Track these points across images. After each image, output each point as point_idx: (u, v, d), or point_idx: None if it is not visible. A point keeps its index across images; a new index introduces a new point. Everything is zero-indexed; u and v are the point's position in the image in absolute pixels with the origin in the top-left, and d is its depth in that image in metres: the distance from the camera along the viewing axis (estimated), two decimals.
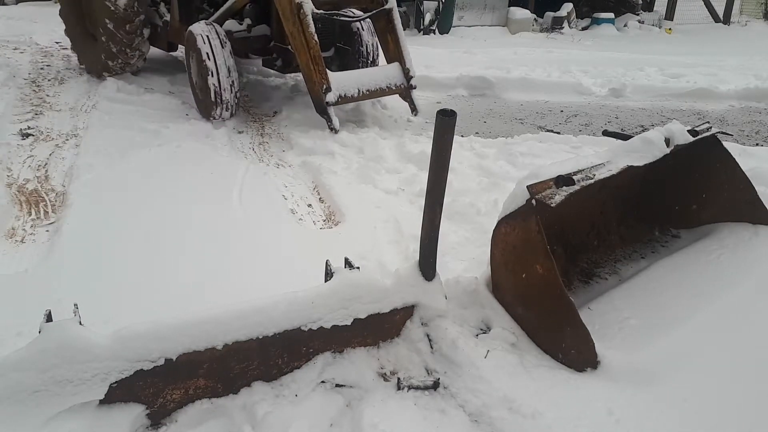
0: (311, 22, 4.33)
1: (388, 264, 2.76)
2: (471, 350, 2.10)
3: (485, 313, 2.33)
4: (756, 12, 15.81)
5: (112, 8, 5.46)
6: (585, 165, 2.26)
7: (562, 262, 2.62)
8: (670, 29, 13.41)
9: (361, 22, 5.24)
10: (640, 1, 14.45)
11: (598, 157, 2.36)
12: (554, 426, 1.81)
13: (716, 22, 14.64)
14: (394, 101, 5.38)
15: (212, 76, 4.57)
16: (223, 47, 4.63)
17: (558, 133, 5.26)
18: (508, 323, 2.27)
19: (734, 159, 2.79)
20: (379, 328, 2.13)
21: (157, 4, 5.83)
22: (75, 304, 1.84)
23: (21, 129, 4.64)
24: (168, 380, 1.82)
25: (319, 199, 3.72)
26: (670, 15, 14.49)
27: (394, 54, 4.94)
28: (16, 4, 12.53)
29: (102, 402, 1.74)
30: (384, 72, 4.88)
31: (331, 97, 4.38)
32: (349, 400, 1.96)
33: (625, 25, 13.20)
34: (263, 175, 3.91)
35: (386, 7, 4.79)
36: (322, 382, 2.01)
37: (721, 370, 2.02)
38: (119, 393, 1.75)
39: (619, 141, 2.63)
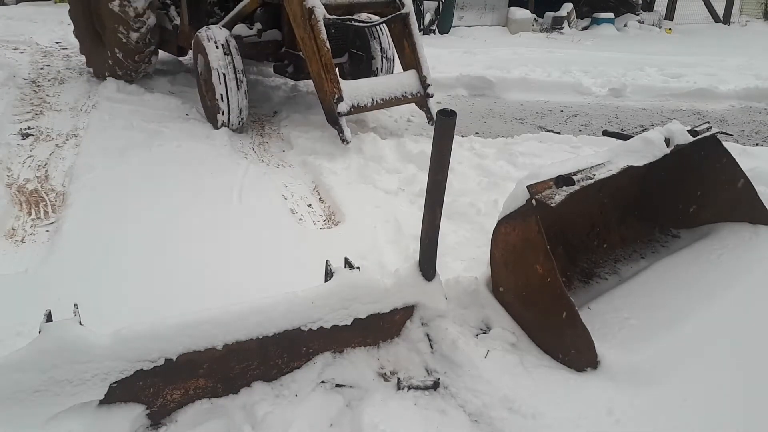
0: (323, 27, 4.10)
1: (388, 264, 2.76)
2: (471, 350, 2.10)
3: (485, 313, 2.33)
4: (756, 12, 15.81)
5: (124, 40, 5.35)
6: (585, 165, 2.26)
7: (562, 262, 2.62)
8: (670, 29, 13.40)
9: (377, 27, 5.01)
10: (640, 1, 14.45)
11: (598, 157, 2.36)
12: (554, 426, 1.81)
13: (716, 22, 14.64)
14: None
15: (219, 84, 4.41)
16: (231, 53, 4.46)
17: (558, 133, 5.26)
18: (508, 323, 2.27)
19: (734, 159, 2.79)
20: (379, 328, 2.13)
21: (167, 7, 5.65)
22: (75, 304, 1.84)
23: (21, 129, 4.64)
24: (168, 380, 1.82)
25: (319, 199, 3.72)
26: (670, 15, 14.49)
27: (411, 61, 4.70)
28: (16, 4, 12.53)
29: (102, 402, 1.74)
30: (399, 80, 4.62)
31: (342, 107, 4.14)
32: (349, 400, 1.96)
33: (625, 25, 13.19)
34: (263, 175, 3.91)
35: (402, 11, 4.54)
36: (322, 382, 2.01)
37: (721, 370, 2.02)
38: (119, 393, 1.75)
39: (619, 141, 2.63)
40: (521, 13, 12.55)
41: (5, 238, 3.04)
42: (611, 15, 13.08)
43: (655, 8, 14.65)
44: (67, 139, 4.49)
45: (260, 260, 2.81)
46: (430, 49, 9.00)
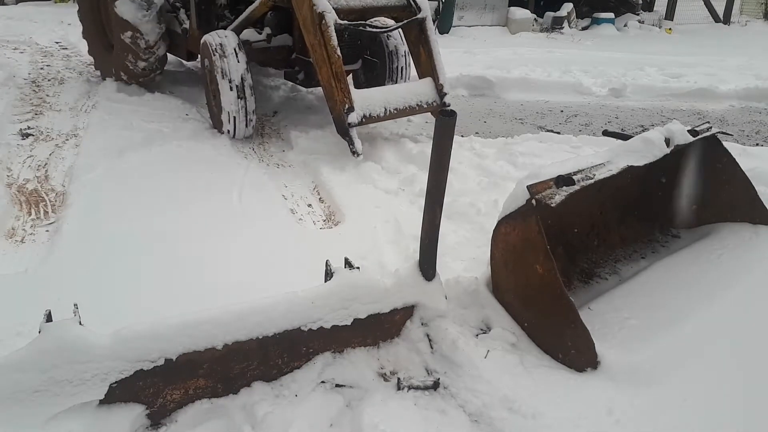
0: (334, 33, 3.87)
1: (388, 264, 2.76)
2: (471, 350, 2.10)
3: (485, 313, 2.33)
4: (756, 12, 15.80)
5: (131, 67, 5.38)
6: (585, 165, 2.26)
7: (562, 262, 2.62)
8: (670, 29, 13.40)
9: (392, 32, 4.65)
10: (640, 1, 14.45)
11: (598, 157, 2.36)
12: (554, 426, 1.81)
13: (716, 22, 14.63)
14: None
15: (225, 92, 4.24)
16: (239, 60, 4.27)
17: (558, 133, 5.25)
18: (508, 323, 2.27)
19: (734, 159, 2.79)
20: (379, 328, 2.13)
21: (176, 11, 5.43)
22: (75, 304, 1.84)
23: (21, 129, 4.64)
24: (168, 380, 1.82)
25: (319, 199, 3.72)
26: (670, 15, 14.48)
27: (427, 68, 4.44)
28: (16, 4, 12.53)
29: (102, 402, 1.74)
30: (414, 88, 4.34)
31: (353, 118, 3.90)
32: (349, 400, 1.96)
33: (625, 25, 13.18)
34: (263, 175, 3.91)
35: (419, 16, 4.28)
36: (322, 382, 2.01)
37: (721, 370, 2.02)
38: (119, 393, 1.75)
39: (619, 141, 2.63)
40: (521, 13, 12.54)
41: (5, 238, 3.04)
42: (611, 15, 13.08)
43: (655, 8, 14.64)
44: (67, 139, 4.49)
45: (260, 260, 2.81)
46: None
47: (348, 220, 3.32)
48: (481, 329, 2.29)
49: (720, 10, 14.58)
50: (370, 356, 2.13)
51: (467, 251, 2.91)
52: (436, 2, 12.51)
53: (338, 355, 2.08)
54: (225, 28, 4.65)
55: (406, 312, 2.17)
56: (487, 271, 2.44)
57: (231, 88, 4.22)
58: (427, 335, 2.19)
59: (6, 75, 5.99)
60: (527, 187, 2.09)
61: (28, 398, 1.63)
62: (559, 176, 2.12)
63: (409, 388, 1.99)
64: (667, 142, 2.49)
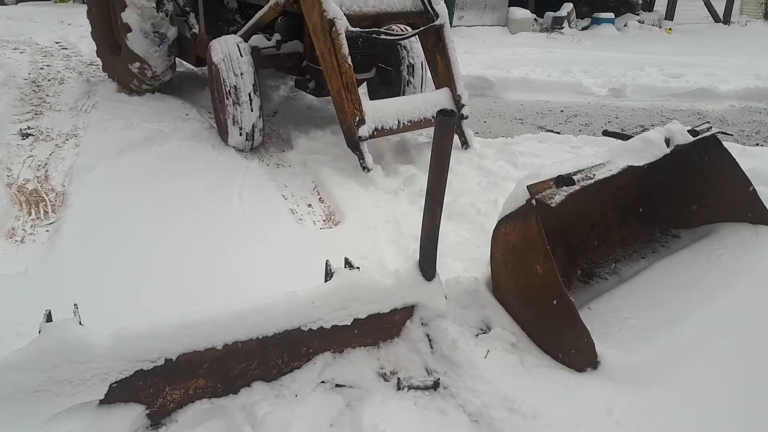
0: (345, 42, 3.67)
1: (388, 264, 2.76)
2: (471, 350, 2.10)
3: (485, 313, 2.33)
4: (756, 12, 15.80)
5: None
6: (585, 165, 2.26)
7: (562, 262, 2.62)
8: (670, 29, 13.40)
9: (408, 39, 4.45)
10: (640, 1, 14.45)
11: (598, 157, 2.36)
12: (554, 426, 1.81)
13: (716, 22, 14.64)
14: None
15: (232, 103, 4.04)
16: (248, 70, 4.08)
17: (558, 133, 5.25)
18: (508, 323, 2.27)
19: (734, 159, 2.79)
20: (379, 328, 2.13)
21: (186, 15, 5.28)
22: (75, 304, 1.84)
23: (21, 129, 4.64)
24: (168, 380, 1.82)
25: (319, 199, 3.72)
26: (670, 15, 14.49)
27: (444, 77, 4.26)
28: (16, 4, 12.54)
29: (102, 402, 1.74)
30: (430, 99, 4.13)
31: (364, 132, 3.71)
32: (349, 400, 1.96)
33: (625, 25, 13.19)
34: (263, 175, 3.91)
35: (436, 23, 4.09)
36: (322, 382, 2.01)
37: (721, 370, 2.02)
38: (119, 393, 1.75)
39: (619, 141, 2.63)
40: (521, 13, 12.55)
41: (5, 238, 3.04)
42: (611, 15, 13.09)
43: (655, 8, 14.65)
44: (67, 139, 4.49)
45: (260, 260, 2.81)
46: None
47: (348, 220, 3.32)
48: (481, 329, 2.29)
49: (720, 10, 14.59)
50: (370, 356, 2.13)
51: (467, 251, 2.91)
52: None
53: (338, 355, 2.08)
54: (235, 33, 4.49)
55: (406, 312, 2.17)
56: (487, 271, 2.44)
57: (238, 100, 4.05)
58: (427, 335, 2.19)
59: (6, 75, 6.00)
60: (527, 187, 2.09)
61: (28, 398, 1.63)
62: (559, 176, 2.12)
63: (409, 388, 1.99)
64: (667, 142, 2.49)
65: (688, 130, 2.61)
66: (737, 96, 6.94)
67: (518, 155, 4.23)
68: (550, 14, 12.77)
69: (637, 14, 13.83)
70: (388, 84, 4.91)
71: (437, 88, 4.34)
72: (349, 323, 2.02)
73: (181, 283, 2.57)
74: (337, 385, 2.02)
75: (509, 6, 12.81)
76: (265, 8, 4.20)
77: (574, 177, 2.13)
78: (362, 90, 4.98)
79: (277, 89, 6.03)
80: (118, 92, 5.62)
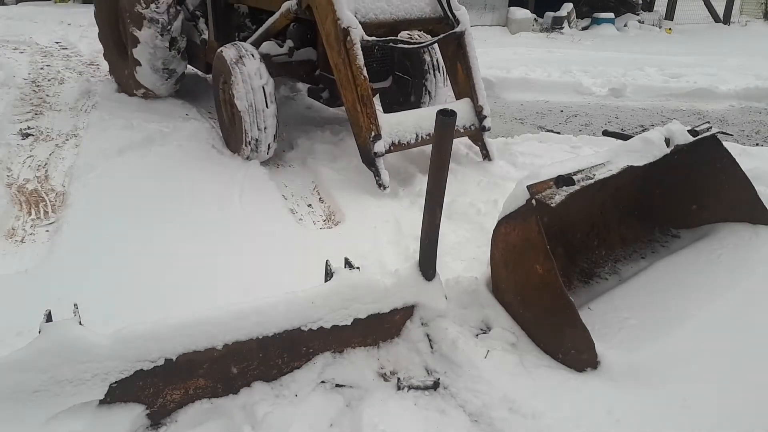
0: (360, 52, 3.46)
1: (388, 264, 2.76)
2: (471, 350, 2.10)
3: (485, 313, 2.33)
4: (756, 12, 15.80)
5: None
6: (585, 165, 2.26)
7: (562, 262, 2.62)
8: (670, 29, 13.40)
9: (427, 47, 4.21)
10: (640, 1, 14.45)
11: (598, 157, 2.36)
12: (554, 426, 1.81)
13: (716, 22, 14.64)
14: None
15: (246, 114, 3.81)
16: (262, 77, 3.84)
17: (558, 133, 5.26)
18: (508, 323, 2.27)
19: (734, 159, 2.79)
20: (379, 328, 2.13)
21: (196, 19, 5.09)
22: (75, 304, 1.84)
23: (21, 129, 4.64)
24: (168, 380, 1.82)
25: (319, 199, 3.72)
26: (670, 15, 14.49)
27: (465, 88, 4.05)
28: (16, 4, 12.54)
29: (102, 402, 1.74)
30: None
31: (380, 147, 3.52)
32: (349, 400, 1.96)
33: (625, 25, 13.19)
34: (263, 175, 3.91)
35: (457, 30, 3.87)
36: (322, 382, 2.01)
37: (721, 370, 2.02)
38: (119, 393, 1.75)
39: (619, 141, 2.63)
40: (521, 13, 12.55)
41: (5, 238, 3.04)
42: (611, 15, 13.09)
43: (655, 8, 14.65)
44: (67, 139, 4.49)
45: (260, 260, 2.81)
46: None
47: (348, 220, 3.32)
48: (481, 329, 2.29)
49: (720, 10, 14.59)
50: (370, 356, 2.13)
51: (467, 251, 2.91)
52: None
53: (338, 355, 2.08)
54: (246, 40, 4.33)
55: (406, 312, 2.17)
56: (487, 271, 2.44)
57: (253, 110, 3.81)
58: (427, 335, 2.19)
59: (6, 75, 6.00)
60: (527, 187, 2.09)
61: (28, 398, 1.63)
62: (559, 176, 2.12)
63: (409, 388, 1.99)
64: (667, 142, 2.49)
65: (688, 130, 2.61)
66: (737, 96, 6.94)
67: (518, 155, 4.23)
68: (550, 14, 12.77)
69: (637, 14, 13.84)
70: (405, 93, 4.68)
71: (457, 98, 4.15)
72: (349, 323, 2.02)
73: (181, 283, 2.57)
74: (337, 385, 2.02)
75: (509, 6, 12.82)
76: (277, 15, 4.00)
77: (574, 177, 2.13)
78: (376, 100, 4.70)
79: (277, 89, 6.02)
80: (118, 92, 5.63)
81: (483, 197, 3.49)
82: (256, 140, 3.90)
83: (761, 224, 2.78)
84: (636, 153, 2.40)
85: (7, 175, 3.78)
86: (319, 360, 2.04)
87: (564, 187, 2.10)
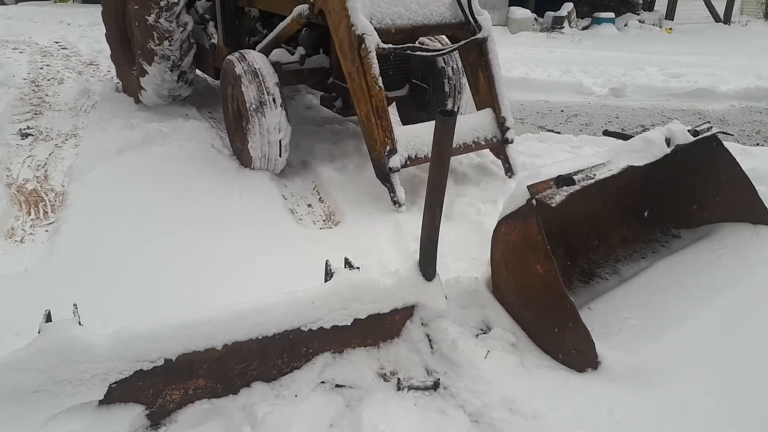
0: (375, 61, 3.26)
1: (388, 264, 2.76)
2: (471, 350, 2.10)
3: (485, 313, 2.33)
4: (756, 12, 15.80)
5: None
6: (585, 165, 2.26)
7: (563, 262, 2.62)
8: (670, 29, 13.40)
9: (450, 54, 3.98)
10: (641, 1, 14.45)
11: (599, 157, 2.35)
12: (555, 426, 1.81)
13: (717, 22, 14.63)
14: None
15: (258, 162, 3.71)
16: (281, 131, 3.67)
17: (558, 132, 5.25)
18: (508, 323, 2.26)
19: (735, 159, 2.79)
20: (379, 329, 2.13)
21: (205, 23, 4.90)
22: (74, 304, 1.83)
23: (20, 129, 4.64)
24: (167, 380, 1.81)
25: (319, 199, 3.72)
26: (670, 15, 14.49)
27: (486, 97, 3.81)
28: (16, 3, 12.54)
29: (101, 402, 1.74)
30: (471, 122, 3.70)
31: (395, 162, 3.31)
32: (348, 400, 1.96)
33: (625, 25, 13.20)
34: (263, 175, 3.91)
35: (479, 36, 3.65)
36: (322, 382, 2.01)
37: (721, 370, 2.02)
38: (119, 393, 1.75)
39: (620, 141, 2.63)
40: (521, 13, 12.55)
41: (5, 238, 3.04)
42: (611, 15, 13.10)
43: (655, 8, 14.65)
44: (67, 139, 4.49)
45: (260, 260, 2.80)
46: None
47: (348, 220, 3.32)
48: (481, 329, 2.28)
49: (720, 10, 14.59)
50: (370, 356, 2.13)
51: (467, 251, 2.91)
52: None
53: (338, 356, 2.08)
54: (256, 45, 4.18)
55: (406, 312, 2.17)
56: (487, 271, 2.44)
57: (265, 161, 3.70)
58: (427, 335, 2.18)
59: (6, 75, 6.00)
60: (527, 187, 2.09)
61: (28, 398, 1.63)
62: (559, 176, 2.12)
63: (409, 388, 1.99)
64: (668, 142, 2.49)
65: (689, 130, 2.61)
66: (737, 96, 6.94)
67: (518, 155, 4.22)
68: (550, 14, 12.77)
69: (638, 14, 13.84)
70: (422, 102, 4.48)
71: (478, 108, 3.92)
72: (349, 323, 2.02)
73: (180, 283, 2.57)
74: (337, 386, 2.02)
75: (509, 5, 12.82)
76: (288, 20, 3.80)
77: (574, 177, 2.13)
78: (392, 109, 4.58)
79: None
80: (117, 92, 5.62)
81: (483, 197, 3.49)
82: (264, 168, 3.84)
83: (762, 224, 2.78)
84: (636, 153, 2.40)
85: (7, 175, 3.78)
86: (319, 360, 2.04)
87: (564, 187, 2.10)
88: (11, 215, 3.27)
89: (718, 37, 12.78)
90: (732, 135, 5.31)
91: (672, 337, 2.14)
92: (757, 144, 5.24)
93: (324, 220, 3.45)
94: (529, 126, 5.69)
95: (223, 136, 4.56)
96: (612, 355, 2.04)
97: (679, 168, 2.79)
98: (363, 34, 3.23)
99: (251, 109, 3.61)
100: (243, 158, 3.95)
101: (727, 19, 14.63)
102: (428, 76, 4.41)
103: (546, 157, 4.16)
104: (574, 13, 12.95)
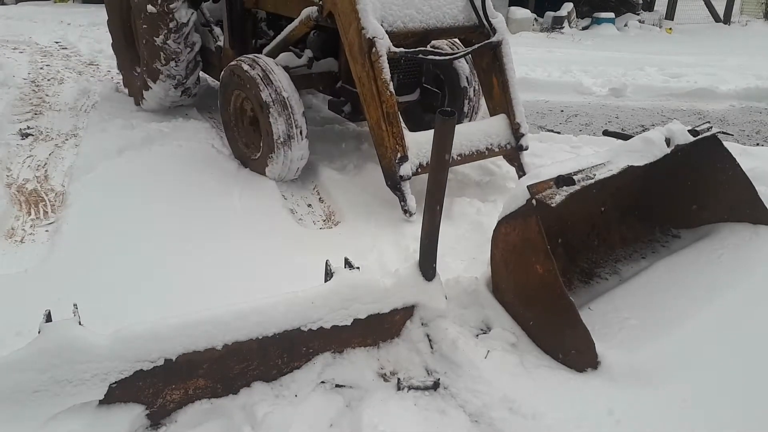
0: (386, 65, 3.15)
1: (388, 264, 2.76)
2: (471, 350, 2.10)
3: (485, 313, 2.33)
4: (756, 12, 15.80)
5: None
6: (585, 165, 2.26)
7: (562, 262, 2.62)
8: (670, 29, 13.40)
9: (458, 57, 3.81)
10: (641, 1, 14.45)
11: (599, 157, 2.36)
12: (554, 426, 1.81)
13: (716, 21, 14.63)
14: None
15: (282, 160, 3.58)
16: (303, 158, 3.62)
17: (558, 132, 5.26)
18: (508, 323, 2.26)
19: (735, 159, 2.79)
20: (379, 329, 2.13)
21: (211, 24, 4.79)
22: (75, 304, 1.83)
23: (20, 129, 4.64)
24: (168, 380, 1.81)
25: (319, 199, 3.72)
26: (670, 15, 14.49)
27: (500, 103, 3.69)
28: (16, 3, 12.55)
29: (102, 402, 1.74)
30: (484, 128, 3.58)
31: (406, 170, 3.19)
32: (348, 400, 1.96)
33: (625, 25, 13.20)
34: (263, 175, 3.91)
35: (493, 39, 3.53)
36: (322, 382, 2.01)
37: (721, 370, 2.02)
38: (119, 393, 1.75)
39: (620, 141, 2.63)
40: (521, 13, 12.54)
41: (5, 238, 3.04)
42: (611, 15, 13.10)
43: (655, 8, 14.65)
44: (67, 139, 4.49)
45: (260, 260, 2.80)
46: None
47: (348, 220, 3.32)
48: (481, 329, 2.28)
49: (720, 10, 14.59)
50: (370, 356, 2.13)
51: (467, 251, 2.91)
52: None
53: (338, 356, 2.08)
54: (263, 48, 4.08)
55: (406, 312, 2.17)
56: (487, 271, 2.44)
57: (292, 156, 3.58)
58: (427, 335, 2.18)
59: (6, 75, 6.00)
60: (527, 187, 2.09)
61: (28, 398, 1.63)
62: (559, 176, 2.12)
63: (409, 388, 1.99)
64: (668, 142, 2.49)
65: (689, 130, 2.61)
66: (737, 96, 6.94)
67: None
68: (550, 14, 12.77)
69: (638, 14, 13.85)
70: (434, 108, 4.23)
71: (491, 114, 3.80)
72: (349, 323, 2.02)
73: (180, 282, 2.57)
74: (337, 386, 2.02)
75: (509, 5, 12.81)
76: (295, 22, 3.70)
77: (574, 177, 2.13)
78: (401, 120, 4.27)
79: None
80: (117, 92, 5.63)
81: (483, 197, 3.49)
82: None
83: (762, 224, 2.78)
84: (636, 153, 2.40)
85: (7, 175, 3.78)
86: (319, 360, 2.04)
87: (564, 187, 2.10)
88: (11, 215, 3.27)
89: (718, 37, 12.78)
90: (732, 135, 5.31)
91: (672, 337, 2.14)
92: (757, 144, 5.24)
93: (324, 220, 3.45)
94: (530, 126, 5.66)
95: (222, 136, 4.56)
96: (612, 355, 2.04)
97: (679, 168, 2.79)
98: (374, 37, 3.12)
99: (278, 141, 3.54)
100: (250, 165, 3.90)
101: (727, 19, 14.63)
102: (440, 79, 4.30)
103: (546, 157, 4.16)
104: (574, 13, 12.95)
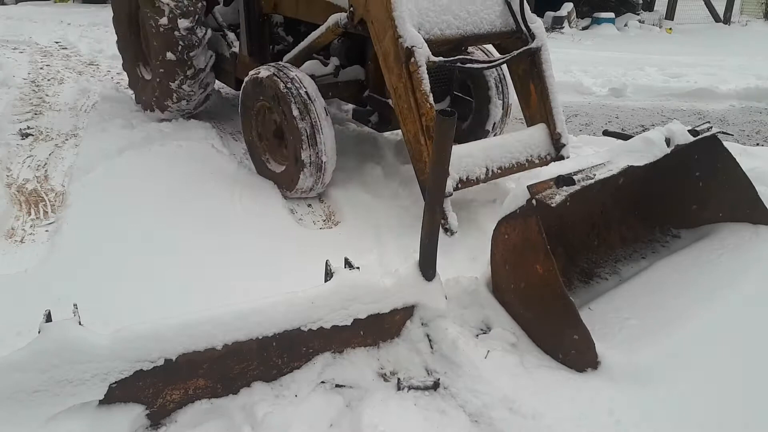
0: (426, 76, 2.93)
1: (388, 264, 2.76)
2: (471, 350, 2.10)
3: (485, 313, 2.33)
4: (756, 12, 15.80)
5: None
6: (585, 165, 2.26)
7: (563, 262, 2.62)
8: (670, 29, 13.40)
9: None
10: (641, 1, 14.45)
11: (599, 157, 2.36)
12: (555, 426, 1.81)
13: (716, 22, 14.63)
14: None
15: (315, 150, 3.34)
16: (333, 150, 3.42)
17: None
18: (508, 323, 2.26)
19: (735, 159, 2.79)
20: (379, 329, 2.13)
21: (224, 29, 4.61)
22: (75, 304, 1.84)
23: (20, 129, 4.64)
24: (168, 380, 1.81)
25: (319, 199, 3.72)
26: (670, 15, 14.48)
27: (539, 111, 3.50)
28: (16, 3, 12.55)
29: (102, 402, 1.74)
30: (524, 139, 3.38)
31: (448, 186, 2.91)
32: (348, 400, 1.96)
33: (625, 25, 13.19)
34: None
35: (532, 45, 3.34)
36: (322, 382, 2.01)
37: (721, 370, 2.02)
38: (119, 393, 1.75)
39: (620, 141, 2.63)
40: None
41: (5, 238, 3.04)
42: (611, 15, 13.09)
43: (655, 8, 14.65)
44: (67, 139, 4.49)
45: (260, 260, 2.81)
46: None
47: (348, 220, 3.32)
48: (481, 329, 2.28)
49: (720, 10, 14.58)
50: (370, 356, 2.13)
51: (467, 251, 2.91)
52: None
53: (338, 356, 2.08)
54: (281, 54, 3.89)
55: (406, 312, 2.17)
56: (487, 271, 2.44)
57: (322, 145, 3.35)
58: (427, 335, 2.19)
59: (6, 75, 6.00)
60: (527, 187, 2.09)
61: (28, 398, 1.63)
62: (559, 176, 2.12)
63: (409, 388, 1.99)
64: (668, 141, 2.49)
65: (689, 130, 2.61)
66: (737, 96, 6.93)
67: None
68: (550, 14, 12.76)
69: (638, 14, 13.84)
70: (464, 117, 4.19)
71: (528, 123, 3.61)
72: (349, 323, 2.02)
73: (180, 283, 2.57)
74: (337, 386, 2.02)
75: None
76: (322, 28, 3.47)
77: (574, 177, 2.13)
78: None
79: None
80: (117, 91, 5.63)
81: (483, 197, 3.49)
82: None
83: (762, 224, 2.78)
84: (636, 153, 2.40)
85: (7, 175, 3.78)
86: (319, 360, 2.04)
87: (564, 187, 2.10)
88: (11, 215, 3.28)
89: (718, 37, 12.77)
90: (732, 135, 5.30)
91: (672, 337, 2.14)
92: (757, 144, 5.24)
93: (324, 220, 3.45)
94: None
95: (222, 136, 4.56)
96: (612, 355, 2.04)
97: (679, 168, 2.79)
98: (413, 47, 2.90)
99: (307, 164, 3.40)
100: (277, 181, 3.72)
101: (727, 19, 14.62)
102: (472, 87, 4.17)
103: None
104: (574, 13, 12.94)
